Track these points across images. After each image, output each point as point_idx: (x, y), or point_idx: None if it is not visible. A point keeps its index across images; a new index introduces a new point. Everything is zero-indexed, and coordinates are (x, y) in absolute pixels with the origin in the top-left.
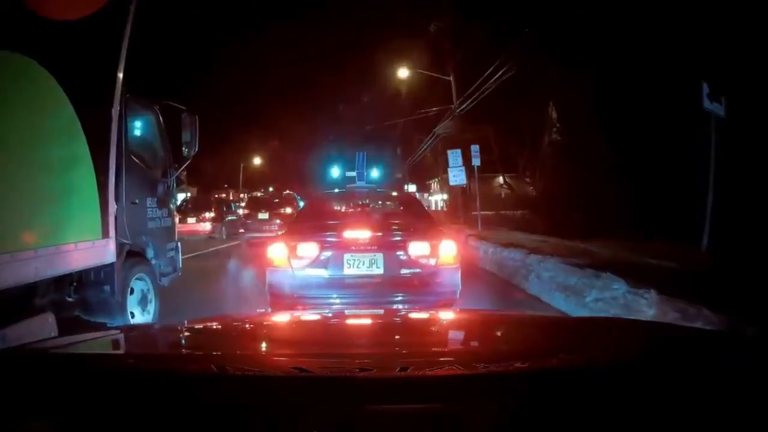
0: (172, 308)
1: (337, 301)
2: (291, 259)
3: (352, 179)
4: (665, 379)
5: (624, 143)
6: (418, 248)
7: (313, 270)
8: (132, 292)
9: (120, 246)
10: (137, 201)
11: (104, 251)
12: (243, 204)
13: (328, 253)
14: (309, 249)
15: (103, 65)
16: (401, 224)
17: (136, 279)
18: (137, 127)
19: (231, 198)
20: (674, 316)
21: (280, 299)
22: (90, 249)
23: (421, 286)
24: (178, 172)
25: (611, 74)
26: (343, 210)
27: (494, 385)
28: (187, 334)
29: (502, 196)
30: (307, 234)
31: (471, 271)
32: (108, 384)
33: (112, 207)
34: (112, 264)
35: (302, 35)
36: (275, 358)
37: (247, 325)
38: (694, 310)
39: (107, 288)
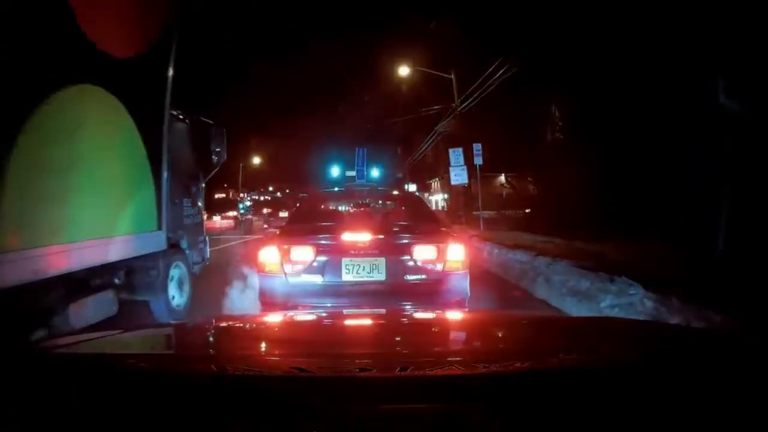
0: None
1: (336, 307)
2: (284, 264)
3: (352, 179)
4: (665, 379)
5: (629, 142)
6: (423, 252)
7: (309, 276)
8: (172, 277)
9: (166, 238)
10: (177, 201)
11: (159, 240)
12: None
13: (324, 258)
14: (304, 253)
15: (155, 91)
16: (404, 226)
17: (175, 266)
18: (175, 138)
19: (231, 197)
20: (699, 325)
21: (272, 308)
22: (151, 237)
23: (426, 293)
24: (208, 177)
25: (615, 71)
26: (341, 210)
27: (494, 385)
28: (187, 334)
29: (504, 195)
30: (302, 236)
31: (476, 274)
32: (108, 384)
33: (164, 205)
34: (162, 251)
35: (302, 34)
36: (275, 359)
37: (248, 325)
38: (720, 318)
39: (154, 272)
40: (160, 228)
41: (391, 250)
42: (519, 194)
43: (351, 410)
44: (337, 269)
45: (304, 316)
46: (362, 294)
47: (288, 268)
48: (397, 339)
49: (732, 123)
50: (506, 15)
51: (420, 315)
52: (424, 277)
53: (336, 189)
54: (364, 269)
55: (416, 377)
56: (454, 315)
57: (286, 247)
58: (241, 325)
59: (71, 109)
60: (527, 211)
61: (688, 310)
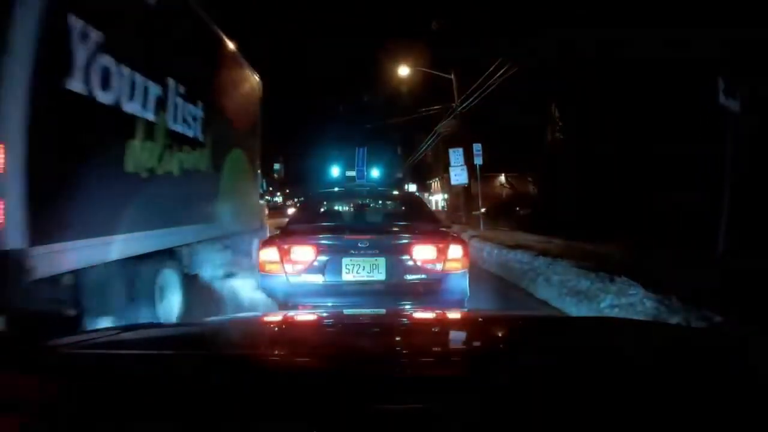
0: None
1: (336, 306)
2: (285, 264)
3: (352, 179)
4: (665, 379)
5: (629, 142)
6: (422, 252)
7: (309, 276)
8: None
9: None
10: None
11: (264, 230)
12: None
13: (325, 258)
14: (304, 253)
15: (255, 143)
16: (404, 226)
17: (255, 242)
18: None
19: None
20: (699, 325)
21: (273, 308)
22: (262, 229)
23: (426, 293)
24: (274, 189)
25: (615, 71)
26: (341, 210)
27: (494, 385)
28: (187, 334)
29: (503, 195)
30: (303, 236)
31: (475, 274)
32: (107, 384)
33: (262, 208)
34: (259, 233)
35: (303, 35)
36: (274, 359)
37: (247, 325)
38: (720, 318)
39: (253, 246)
40: (263, 223)
41: (391, 249)
42: (519, 194)
43: (350, 410)
44: (338, 269)
45: (303, 316)
46: (362, 293)
47: (289, 267)
48: (397, 339)
49: (732, 122)
50: (507, 14)
51: (420, 315)
52: (423, 276)
53: (336, 189)
54: (364, 269)
55: (416, 377)
56: (454, 315)
57: (286, 247)
58: (241, 325)
59: (232, 159)
60: (527, 210)
61: (688, 310)
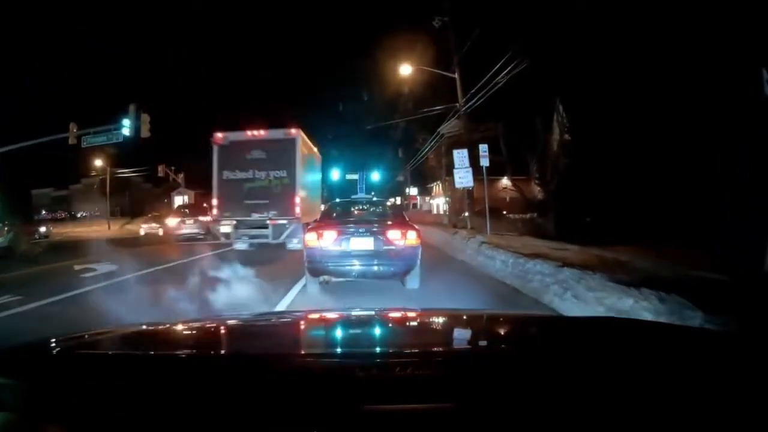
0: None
1: (346, 263)
2: (320, 241)
3: (353, 181)
4: (665, 379)
5: (638, 143)
6: (393, 235)
7: (333, 246)
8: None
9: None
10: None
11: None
12: None
13: (342, 237)
14: (330, 235)
15: (319, 178)
16: (385, 221)
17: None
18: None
19: None
20: None
21: (313, 264)
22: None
23: (394, 256)
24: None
25: (628, 69)
26: (349, 212)
27: (494, 385)
28: (187, 333)
29: (507, 199)
30: (329, 226)
31: (491, 285)
32: (108, 383)
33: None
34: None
35: (303, 35)
36: (275, 358)
37: (247, 326)
38: None
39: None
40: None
41: (376, 233)
42: (525, 197)
43: (351, 410)
44: (348, 242)
45: (303, 316)
46: (360, 256)
47: (322, 242)
48: (397, 339)
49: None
50: (515, 13)
51: (420, 315)
52: (393, 247)
53: (339, 200)
54: (361, 243)
55: (416, 377)
56: (456, 315)
57: (321, 231)
58: (241, 325)
59: (314, 188)
60: (534, 214)
61: None
